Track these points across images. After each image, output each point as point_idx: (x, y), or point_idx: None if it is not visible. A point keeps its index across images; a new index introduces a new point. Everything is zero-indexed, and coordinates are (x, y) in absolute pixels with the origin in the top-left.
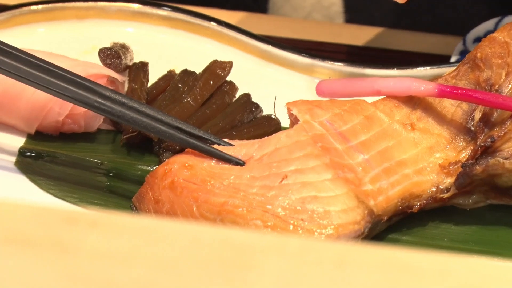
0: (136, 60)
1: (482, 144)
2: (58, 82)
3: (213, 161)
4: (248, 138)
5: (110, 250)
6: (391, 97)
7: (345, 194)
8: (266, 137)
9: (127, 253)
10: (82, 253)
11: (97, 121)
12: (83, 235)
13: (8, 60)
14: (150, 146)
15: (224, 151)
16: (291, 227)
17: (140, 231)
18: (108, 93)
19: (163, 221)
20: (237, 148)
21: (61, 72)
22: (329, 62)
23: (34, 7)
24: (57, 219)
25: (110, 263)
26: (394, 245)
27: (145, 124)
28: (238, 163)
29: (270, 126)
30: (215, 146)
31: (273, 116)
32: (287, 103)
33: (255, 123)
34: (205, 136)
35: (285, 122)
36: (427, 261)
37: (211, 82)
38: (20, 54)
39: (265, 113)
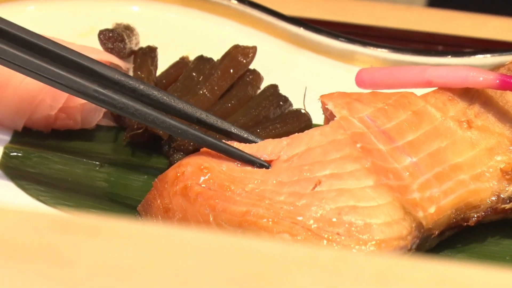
0: (143, 44)
1: None
2: (51, 67)
3: (234, 162)
4: (273, 137)
5: (110, 262)
6: (444, 89)
7: (389, 204)
8: (296, 134)
9: (131, 265)
10: (78, 265)
11: (96, 116)
12: (79, 244)
13: None
14: (158, 146)
15: (247, 150)
16: (325, 242)
17: (146, 240)
18: (116, 76)
19: (173, 229)
20: (262, 146)
21: (58, 51)
22: (371, 48)
23: None
24: (49, 225)
25: (111, 277)
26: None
27: (153, 118)
28: (263, 165)
29: (300, 122)
30: (237, 145)
31: (302, 111)
32: (321, 96)
33: (282, 119)
34: (230, 130)
35: (317, 118)
36: (487, 280)
37: (232, 71)
38: (7, 28)
39: (295, 107)
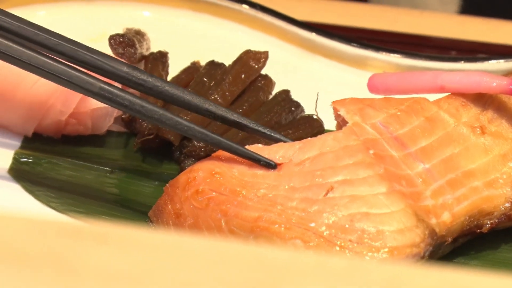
0: (154, 49)
1: None
2: (57, 64)
3: (246, 167)
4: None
5: (121, 270)
6: (457, 94)
7: (402, 211)
8: (308, 138)
9: (142, 274)
10: (88, 273)
11: (107, 121)
12: (89, 252)
13: None
14: (169, 151)
15: (258, 152)
16: (337, 248)
17: (157, 248)
18: (125, 69)
19: (185, 236)
20: (274, 149)
21: (70, 45)
22: (384, 53)
23: None
24: (59, 233)
25: (120, 285)
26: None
27: (159, 116)
28: (268, 163)
29: (312, 128)
30: (250, 147)
31: (314, 117)
32: (333, 102)
33: (294, 125)
34: (239, 121)
35: (330, 124)
36: (497, 286)
37: (243, 76)
38: (15, 22)
39: (307, 113)
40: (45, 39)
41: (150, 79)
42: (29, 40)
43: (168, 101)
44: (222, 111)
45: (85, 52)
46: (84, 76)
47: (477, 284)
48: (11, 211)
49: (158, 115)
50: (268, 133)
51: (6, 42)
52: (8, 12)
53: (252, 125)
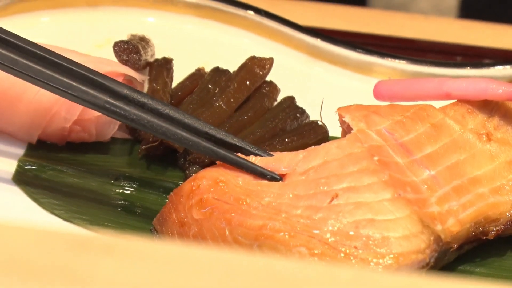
0: (158, 55)
1: None
2: (62, 78)
3: (250, 176)
4: (290, 150)
5: (127, 280)
6: (463, 101)
7: (407, 217)
8: (312, 147)
9: (147, 284)
10: (94, 284)
11: (111, 129)
12: (95, 263)
13: (4, 51)
14: (174, 159)
15: (263, 163)
16: (342, 255)
17: (162, 258)
18: (125, 91)
19: (189, 247)
20: (278, 159)
21: (68, 65)
22: (389, 59)
23: None
24: (65, 244)
25: None
26: (466, 278)
27: (164, 130)
28: (274, 178)
29: (316, 134)
30: (251, 157)
31: (319, 123)
32: (338, 109)
33: (298, 131)
34: (240, 145)
35: (335, 130)
36: None
37: (248, 83)
38: (18, 43)
39: (312, 119)
40: (46, 57)
41: (151, 102)
42: (32, 57)
43: (168, 122)
44: (221, 135)
45: (85, 72)
46: (90, 91)
47: None
48: (17, 222)
49: (163, 130)
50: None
51: (12, 55)
52: (11, 32)
53: (252, 149)
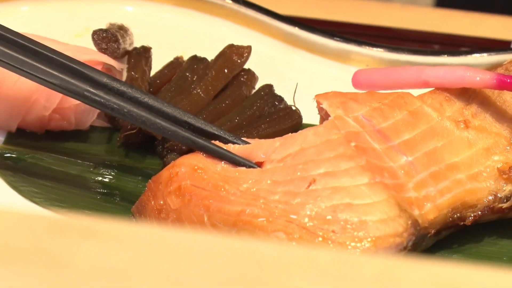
0: (137, 44)
1: None
2: (42, 67)
3: (228, 163)
4: (266, 136)
5: (107, 264)
6: (441, 89)
7: (385, 201)
8: (289, 134)
9: (128, 268)
10: (74, 268)
11: (90, 117)
12: (75, 247)
13: None
14: (152, 146)
15: (241, 151)
16: (320, 239)
17: (142, 242)
18: (105, 80)
19: (169, 230)
20: (255, 146)
21: (48, 54)
22: (367, 47)
23: None
24: (44, 228)
25: (107, 279)
26: (443, 260)
27: (144, 119)
28: (252, 167)
29: (291, 120)
30: (229, 146)
31: (293, 107)
32: (316, 96)
33: (272, 117)
34: (218, 133)
35: (313, 118)
36: (483, 280)
37: (226, 71)
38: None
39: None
40: (27, 46)
41: (130, 90)
42: (14, 46)
43: (148, 111)
44: (200, 124)
45: (65, 61)
46: (70, 79)
47: (465, 278)
48: None
49: (142, 119)
50: None
51: None
52: None
53: (230, 138)
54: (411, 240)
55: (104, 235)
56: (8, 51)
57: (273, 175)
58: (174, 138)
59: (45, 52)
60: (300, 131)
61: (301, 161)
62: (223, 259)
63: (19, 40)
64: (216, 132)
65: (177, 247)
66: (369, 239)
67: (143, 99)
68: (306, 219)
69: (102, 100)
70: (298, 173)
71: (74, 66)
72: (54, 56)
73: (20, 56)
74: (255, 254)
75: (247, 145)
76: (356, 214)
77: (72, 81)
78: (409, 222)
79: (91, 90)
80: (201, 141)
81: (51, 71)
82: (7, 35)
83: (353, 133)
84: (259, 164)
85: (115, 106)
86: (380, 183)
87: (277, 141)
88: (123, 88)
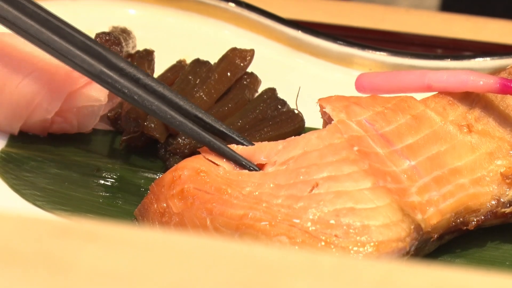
0: (140, 47)
1: None
2: (61, 42)
3: (231, 166)
4: (268, 139)
5: (109, 268)
6: (444, 93)
7: (388, 205)
8: (292, 137)
9: (130, 272)
10: (76, 271)
11: (93, 120)
12: (78, 250)
13: (7, 7)
14: (155, 149)
15: (244, 153)
16: (323, 244)
17: (145, 246)
18: (122, 64)
19: (172, 234)
20: (258, 149)
21: (69, 30)
22: (370, 51)
23: None
24: (47, 231)
25: (109, 283)
26: (446, 266)
27: (154, 108)
28: (254, 169)
29: (293, 123)
30: (233, 146)
31: (296, 111)
32: (319, 99)
33: (274, 121)
34: (227, 132)
35: (315, 122)
36: (485, 285)
37: (229, 74)
38: (23, 2)
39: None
40: (46, 20)
41: (145, 78)
42: (35, 18)
43: (160, 100)
44: (211, 120)
45: (84, 39)
46: (86, 57)
47: (468, 283)
48: (0, 210)
49: (153, 107)
50: None
51: (15, 12)
52: None
53: (238, 138)
54: (414, 245)
55: (106, 239)
56: (29, 21)
57: (276, 178)
58: (182, 129)
59: (66, 29)
60: (303, 135)
61: (304, 165)
62: (225, 263)
63: (42, 13)
64: (225, 131)
65: (180, 251)
66: (371, 244)
67: (157, 88)
68: (309, 224)
69: (115, 83)
70: (301, 177)
71: (93, 45)
72: (75, 34)
73: (40, 28)
74: (257, 258)
75: (250, 146)
76: (359, 218)
77: (89, 59)
78: (412, 227)
79: (106, 71)
80: (208, 136)
81: (69, 47)
82: (31, 7)
83: (356, 137)
84: (261, 167)
85: (126, 90)
86: (383, 187)
87: (280, 143)
88: (139, 75)
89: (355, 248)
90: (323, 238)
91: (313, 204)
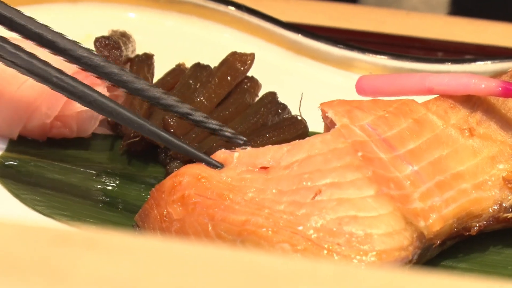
0: (139, 51)
1: None
2: (11, 49)
3: (233, 171)
4: (270, 144)
5: (108, 276)
6: (446, 96)
7: (390, 214)
8: (297, 140)
9: (130, 280)
10: (75, 280)
11: (92, 124)
12: (76, 258)
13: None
14: (155, 154)
15: (247, 157)
16: (325, 252)
17: (145, 254)
18: (80, 51)
19: (172, 242)
20: (262, 152)
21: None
22: (371, 54)
23: None
24: (45, 239)
25: None
26: (448, 273)
27: (110, 109)
28: (217, 166)
29: (296, 129)
30: (241, 150)
31: (298, 117)
32: (321, 104)
33: (277, 127)
34: (225, 133)
35: (316, 126)
36: None
37: (229, 78)
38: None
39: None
40: (39, 26)
41: (117, 70)
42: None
43: (132, 91)
44: (209, 120)
45: (78, 49)
46: (40, 64)
47: None
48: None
49: (109, 109)
50: None
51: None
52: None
53: (239, 140)
54: (416, 253)
55: (106, 246)
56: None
57: (279, 184)
58: (141, 131)
59: (21, 22)
60: (307, 138)
61: (308, 170)
62: (226, 271)
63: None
64: (224, 132)
65: (180, 259)
66: (374, 253)
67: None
68: (311, 231)
69: (70, 88)
70: (304, 183)
71: (88, 56)
72: (34, 29)
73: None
74: (259, 266)
75: (254, 148)
76: (362, 227)
77: (42, 66)
78: (415, 235)
79: (61, 76)
80: (166, 135)
81: (21, 54)
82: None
83: (359, 142)
84: (266, 169)
85: (82, 94)
86: (386, 195)
87: (284, 147)
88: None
89: (358, 257)
90: (326, 246)
91: (315, 211)
